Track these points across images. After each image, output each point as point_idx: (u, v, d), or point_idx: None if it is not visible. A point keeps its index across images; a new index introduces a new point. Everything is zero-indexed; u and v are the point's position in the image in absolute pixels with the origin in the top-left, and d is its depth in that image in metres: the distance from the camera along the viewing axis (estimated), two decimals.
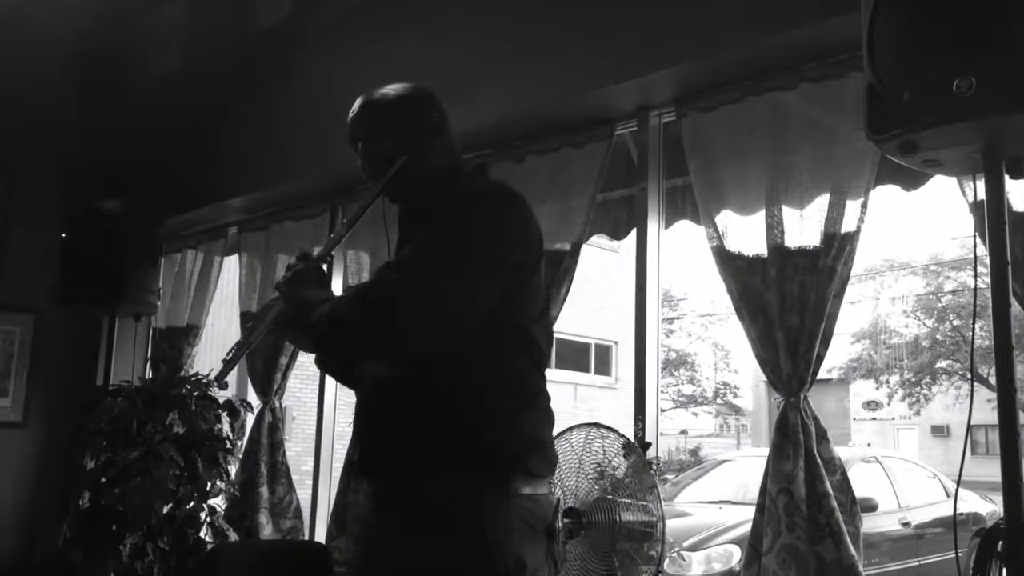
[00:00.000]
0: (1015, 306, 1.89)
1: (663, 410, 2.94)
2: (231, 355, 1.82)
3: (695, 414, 26.26)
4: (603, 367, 17.61)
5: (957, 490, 2.31)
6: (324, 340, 1.71)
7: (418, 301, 1.56)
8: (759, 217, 2.62)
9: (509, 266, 1.66)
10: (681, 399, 25.72)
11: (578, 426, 2.46)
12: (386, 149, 1.81)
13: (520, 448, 1.63)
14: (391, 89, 1.91)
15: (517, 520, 1.58)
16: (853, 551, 2.33)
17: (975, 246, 1.98)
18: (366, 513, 1.74)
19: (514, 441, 1.63)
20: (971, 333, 2.37)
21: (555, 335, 2.02)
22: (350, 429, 3.57)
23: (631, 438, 2.46)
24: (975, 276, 1.99)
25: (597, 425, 2.45)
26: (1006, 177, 1.78)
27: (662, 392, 2.94)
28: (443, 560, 1.55)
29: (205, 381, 3.95)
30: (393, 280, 1.60)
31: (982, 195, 1.79)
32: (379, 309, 1.57)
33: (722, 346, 25.89)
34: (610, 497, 2.30)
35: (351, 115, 1.89)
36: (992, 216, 1.77)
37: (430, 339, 1.59)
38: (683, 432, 24.31)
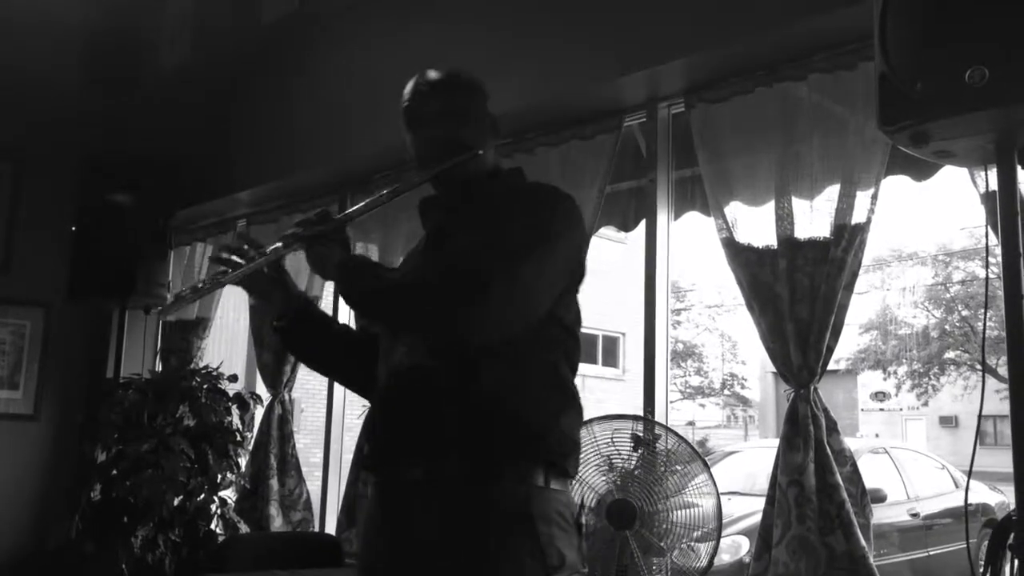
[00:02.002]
0: None
1: (671, 401, 2.95)
2: (186, 291, 1.77)
3: (702, 405, 26.23)
4: (610, 359, 17.61)
5: (968, 480, 2.31)
6: (385, 302, 1.63)
7: (506, 286, 1.51)
8: (769, 208, 2.61)
9: (575, 265, 1.66)
10: (688, 390, 25.69)
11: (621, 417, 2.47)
12: (459, 137, 1.72)
13: (563, 448, 1.62)
14: (463, 74, 1.83)
15: (555, 514, 1.57)
16: (863, 542, 2.33)
17: (986, 236, 1.97)
18: (396, 507, 1.62)
19: (558, 440, 1.61)
20: (982, 323, 2.36)
21: None
22: (359, 421, 3.58)
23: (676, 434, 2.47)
24: (986, 266, 1.99)
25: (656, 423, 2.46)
26: (1018, 167, 1.78)
27: (670, 383, 2.95)
28: (502, 555, 1.52)
29: (215, 373, 3.97)
30: (481, 258, 1.53)
31: (994, 185, 1.79)
32: (467, 285, 1.51)
33: (729, 337, 25.84)
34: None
35: (420, 88, 1.78)
36: (1004, 207, 1.77)
37: (508, 327, 1.55)
38: (690, 423, 24.29)
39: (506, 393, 1.58)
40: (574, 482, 1.70)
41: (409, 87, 1.79)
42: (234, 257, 1.76)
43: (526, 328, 1.57)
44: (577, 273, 1.68)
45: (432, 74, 1.79)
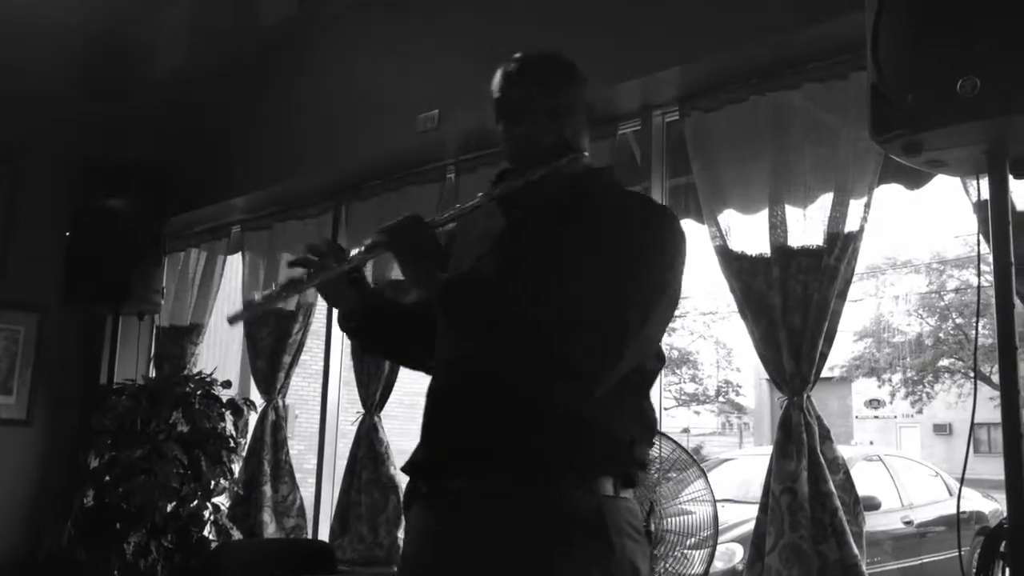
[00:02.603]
0: (1018, 305, 1.89)
1: (665, 408, 2.95)
2: (276, 292, 1.66)
3: (697, 412, 26.22)
4: None
5: (961, 488, 2.31)
6: (501, 338, 1.48)
7: (637, 346, 1.48)
8: (762, 216, 2.62)
9: (679, 299, 1.61)
10: (683, 397, 25.70)
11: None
12: (560, 135, 1.61)
13: (633, 466, 1.56)
14: (560, 58, 1.70)
15: (626, 524, 1.50)
16: (856, 550, 2.33)
17: (978, 245, 1.98)
18: (451, 517, 1.53)
19: (629, 459, 1.55)
20: (975, 332, 2.38)
21: None
22: (353, 428, 3.57)
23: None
24: (978, 275, 1.99)
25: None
26: (1010, 177, 1.78)
27: (665, 390, 2.95)
28: (570, 569, 1.45)
29: (209, 379, 3.96)
30: (615, 318, 1.44)
31: (986, 195, 1.80)
32: (604, 348, 1.44)
33: (724, 344, 25.86)
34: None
35: (511, 76, 1.67)
36: (996, 216, 1.78)
37: (623, 373, 1.49)
38: (685, 431, 24.27)
39: (588, 409, 1.50)
40: None
41: (499, 74, 1.69)
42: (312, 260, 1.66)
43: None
44: (679, 301, 1.62)
45: (525, 60, 1.68)
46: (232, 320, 1.76)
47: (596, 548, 1.46)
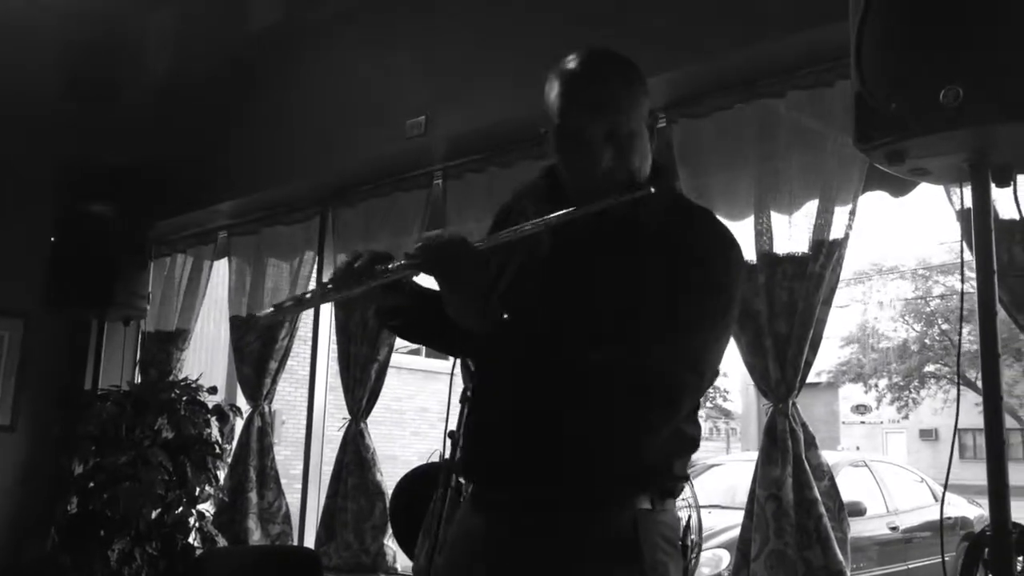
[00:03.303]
0: (1001, 312, 1.90)
1: None
2: (291, 302, 1.61)
3: None
4: None
5: (944, 494, 2.33)
6: (558, 390, 1.46)
7: (693, 395, 1.50)
8: (748, 223, 2.63)
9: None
10: None
11: None
12: (634, 167, 1.53)
13: (671, 482, 1.58)
14: (640, 73, 1.57)
15: (660, 538, 1.52)
16: (840, 556, 2.34)
17: (962, 252, 1.99)
18: (498, 525, 1.56)
19: (666, 477, 1.57)
20: (958, 337, 2.38)
21: None
22: (339, 433, 3.56)
23: None
24: (962, 282, 2.01)
25: None
26: (992, 185, 1.80)
27: None
28: None
29: (194, 385, 3.94)
30: (669, 375, 1.44)
31: (969, 203, 1.81)
32: (658, 405, 1.45)
33: None
34: None
35: (597, 85, 1.53)
36: (979, 224, 1.78)
37: (689, 405, 1.51)
38: None
39: (626, 437, 1.50)
40: None
41: (568, 79, 1.54)
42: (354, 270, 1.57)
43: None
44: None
45: (600, 72, 1.54)
46: (259, 322, 1.72)
47: (628, 561, 1.48)
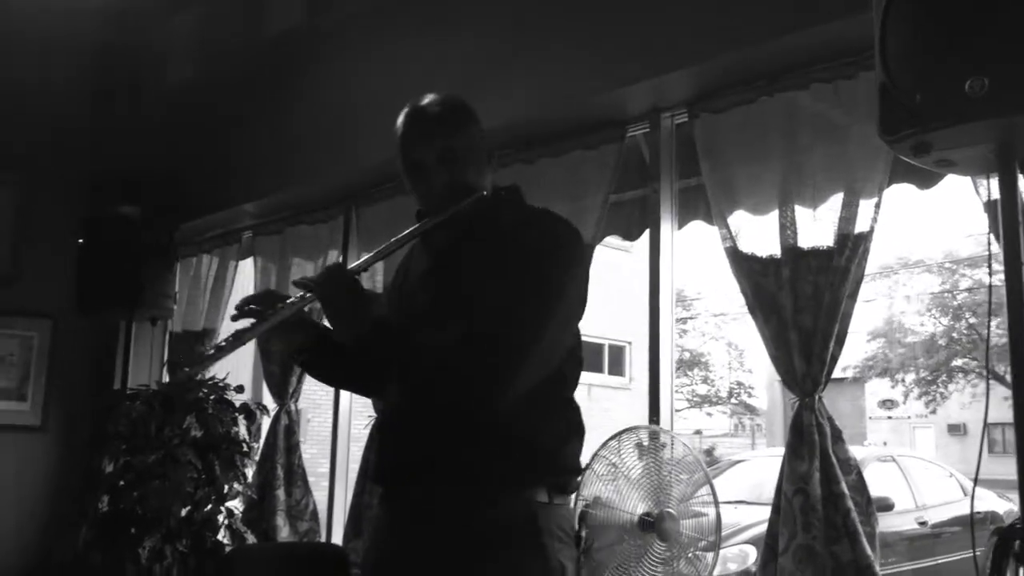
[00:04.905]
0: None
1: (677, 410, 2.94)
2: (224, 344, 1.74)
3: (709, 414, 26.17)
4: (616, 367, 17.60)
5: (974, 488, 2.31)
6: (413, 374, 1.65)
7: (536, 360, 1.60)
8: (772, 217, 2.62)
9: (583, 299, 1.71)
10: (695, 399, 25.64)
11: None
12: (464, 179, 1.73)
13: (565, 472, 1.71)
14: (456, 105, 1.80)
15: (558, 528, 1.65)
16: (869, 551, 2.33)
17: (989, 244, 1.97)
18: (403, 521, 1.70)
19: (561, 466, 1.69)
20: (987, 331, 2.37)
21: None
22: (366, 431, 3.58)
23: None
24: (990, 274, 1.99)
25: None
26: (1020, 176, 1.78)
27: (676, 392, 2.94)
28: (510, 568, 1.61)
29: (222, 384, 3.98)
30: (498, 319, 1.58)
31: (996, 194, 1.79)
32: (499, 367, 1.57)
33: (736, 345, 25.81)
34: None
35: (414, 128, 1.77)
36: (1006, 215, 1.77)
37: (533, 383, 1.61)
38: (698, 432, 24.23)
39: (514, 420, 1.63)
40: (580, 496, 1.77)
41: (402, 124, 1.79)
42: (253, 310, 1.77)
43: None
44: (584, 304, 1.73)
45: (426, 111, 1.77)
46: (189, 371, 1.85)
47: (529, 549, 1.61)
